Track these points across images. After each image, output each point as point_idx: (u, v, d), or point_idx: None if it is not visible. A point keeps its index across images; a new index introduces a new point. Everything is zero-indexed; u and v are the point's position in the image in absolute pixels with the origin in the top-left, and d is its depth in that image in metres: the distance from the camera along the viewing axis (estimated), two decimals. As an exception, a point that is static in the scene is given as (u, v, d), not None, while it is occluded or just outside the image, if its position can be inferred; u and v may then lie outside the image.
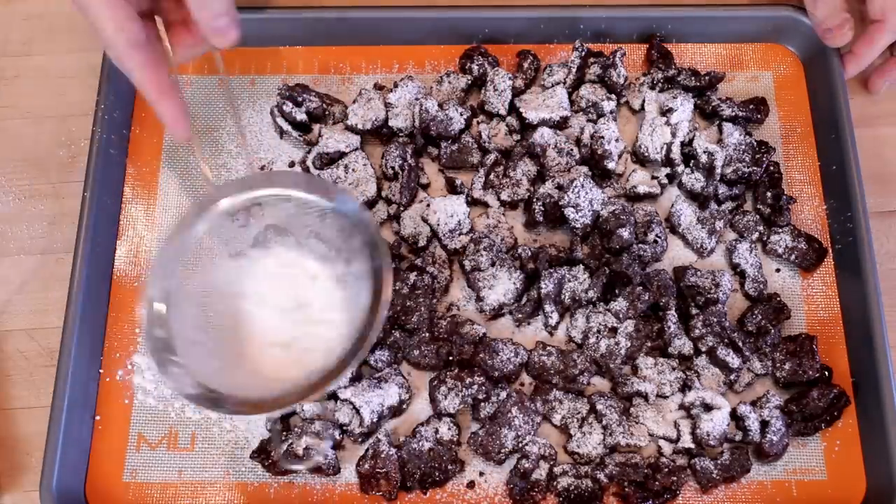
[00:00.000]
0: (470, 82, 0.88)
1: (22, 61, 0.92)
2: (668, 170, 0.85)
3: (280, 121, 0.86)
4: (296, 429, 0.75)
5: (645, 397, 0.76)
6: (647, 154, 0.84)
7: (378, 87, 0.89)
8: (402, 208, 0.83)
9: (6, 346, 0.81)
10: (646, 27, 0.91)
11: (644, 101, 0.87)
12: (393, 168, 0.83)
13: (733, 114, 0.86)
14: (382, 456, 0.73)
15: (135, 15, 0.68)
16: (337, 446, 0.75)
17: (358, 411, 0.74)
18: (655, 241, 0.80)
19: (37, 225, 0.86)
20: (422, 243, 0.81)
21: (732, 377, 0.77)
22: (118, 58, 0.68)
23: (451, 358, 0.77)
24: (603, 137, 0.83)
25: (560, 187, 0.82)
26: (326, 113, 0.87)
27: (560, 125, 0.86)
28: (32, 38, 0.93)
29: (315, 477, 0.75)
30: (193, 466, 0.76)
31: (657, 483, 0.73)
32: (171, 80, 0.69)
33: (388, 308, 0.66)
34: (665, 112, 0.85)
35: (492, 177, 0.84)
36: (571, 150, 0.84)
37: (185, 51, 0.73)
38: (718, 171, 0.82)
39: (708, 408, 0.75)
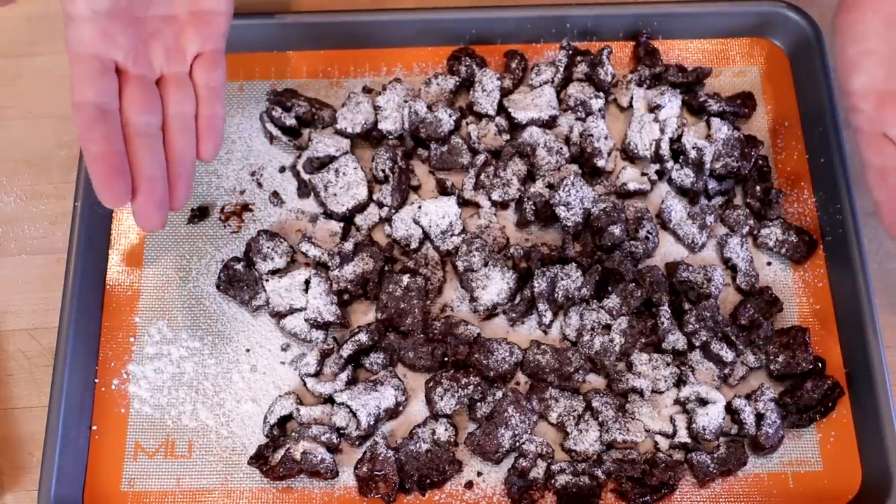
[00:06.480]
0: (458, 83, 0.88)
1: (24, 62, 0.92)
2: (657, 166, 0.85)
3: (269, 126, 0.86)
4: (293, 433, 0.75)
5: (640, 393, 0.76)
6: (636, 151, 0.85)
7: (367, 91, 0.89)
8: (393, 211, 0.83)
9: (8, 345, 0.81)
10: (632, 25, 0.91)
11: (632, 98, 0.87)
12: (383, 171, 0.83)
13: (721, 109, 0.86)
14: (380, 458, 0.73)
15: (98, 77, 0.67)
16: (334, 450, 0.75)
17: (355, 414, 0.74)
18: (647, 238, 0.81)
19: (38, 225, 0.86)
20: (414, 245, 0.81)
21: (726, 371, 0.77)
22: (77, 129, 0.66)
23: (446, 359, 0.77)
24: (592, 135, 0.83)
25: (550, 186, 0.83)
26: (316, 117, 0.87)
27: (549, 124, 0.86)
28: (34, 39, 0.93)
29: (313, 481, 0.75)
30: (191, 474, 0.76)
31: (655, 478, 0.73)
32: (124, 163, 0.67)
33: None
34: (653, 109, 0.86)
35: (482, 177, 0.84)
36: (561, 148, 0.84)
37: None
38: (707, 166, 0.82)
39: (703, 402, 0.75)
